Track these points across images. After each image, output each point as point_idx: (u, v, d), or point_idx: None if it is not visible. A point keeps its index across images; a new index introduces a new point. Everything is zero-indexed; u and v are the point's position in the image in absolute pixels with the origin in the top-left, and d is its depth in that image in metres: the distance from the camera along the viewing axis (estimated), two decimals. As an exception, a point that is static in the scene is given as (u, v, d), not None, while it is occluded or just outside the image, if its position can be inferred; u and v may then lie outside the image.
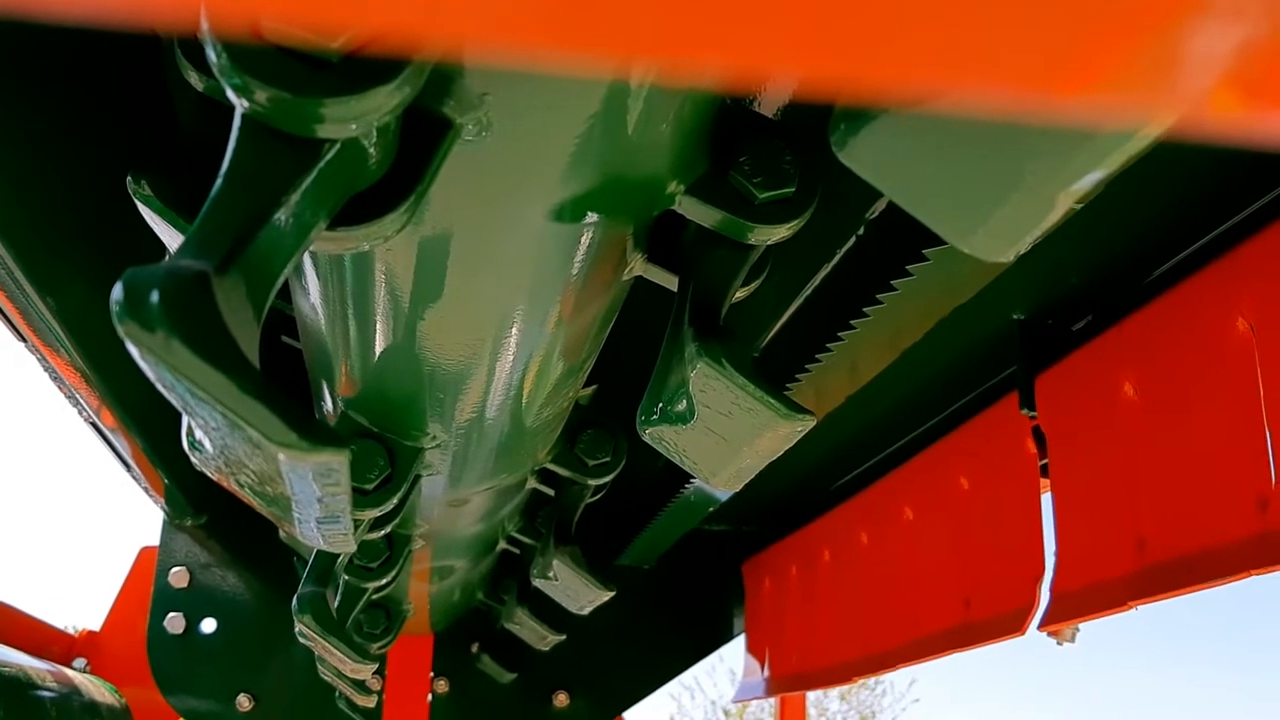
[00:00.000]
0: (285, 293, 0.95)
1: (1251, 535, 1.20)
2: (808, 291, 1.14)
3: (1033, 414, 1.60)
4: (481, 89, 0.56)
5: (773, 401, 0.70)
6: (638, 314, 0.99)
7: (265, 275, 0.50)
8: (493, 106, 0.57)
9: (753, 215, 0.71)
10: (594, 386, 1.29)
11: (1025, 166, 0.45)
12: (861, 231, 0.99)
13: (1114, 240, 1.39)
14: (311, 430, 0.46)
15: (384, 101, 0.48)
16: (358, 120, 0.49)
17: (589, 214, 0.69)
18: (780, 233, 0.72)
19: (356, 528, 1.00)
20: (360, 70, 0.48)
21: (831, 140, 0.54)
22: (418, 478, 1.04)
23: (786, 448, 0.75)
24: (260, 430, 0.45)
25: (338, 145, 0.51)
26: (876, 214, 0.96)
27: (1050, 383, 1.58)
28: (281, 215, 0.50)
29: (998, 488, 1.74)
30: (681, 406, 0.74)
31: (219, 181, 0.49)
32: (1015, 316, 1.59)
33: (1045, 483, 1.63)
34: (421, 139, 0.57)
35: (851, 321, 1.18)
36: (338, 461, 0.49)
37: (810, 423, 0.71)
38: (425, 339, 0.82)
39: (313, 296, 0.85)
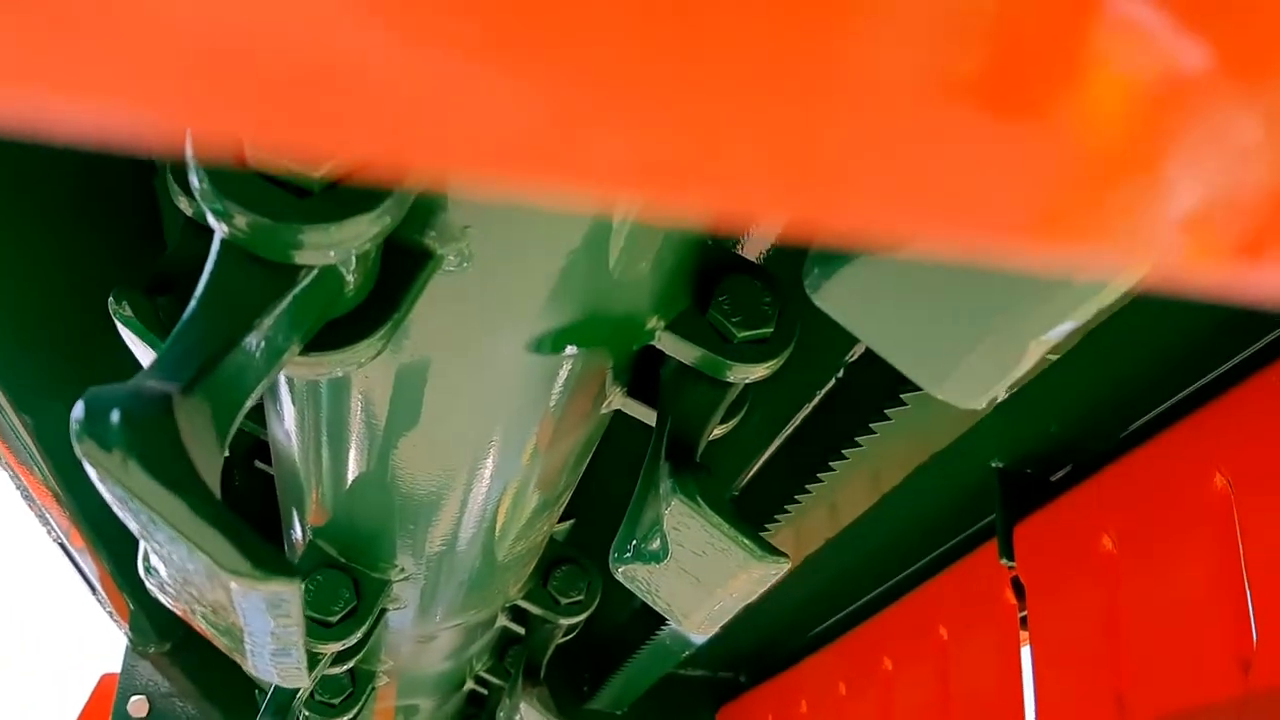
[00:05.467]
0: (260, 417, 0.94)
1: (1234, 697, 1.18)
2: (787, 431, 1.14)
3: (1011, 564, 1.59)
4: (464, 221, 0.56)
5: (746, 542, 0.69)
6: (619, 448, 0.99)
7: (232, 398, 0.49)
8: (475, 238, 0.57)
9: (731, 354, 0.71)
10: (570, 521, 1.27)
11: (995, 314, 0.46)
12: (840, 373, 1.00)
13: (1093, 390, 1.39)
14: (264, 558, 0.45)
15: (364, 230, 0.49)
16: (336, 248, 0.49)
17: (569, 346, 0.69)
18: (758, 371, 0.72)
19: (317, 662, 0.96)
20: (342, 198, 0.48)
21: (805, 283, 0.54)
22: (384, 611, 1.01)
23: (761, 591, 0.73)
24: (212, 556, 0.44)
25: (315, 271, 0.51)
26: (855, 357, 0.97)
27: (1029, 532, 1.56)
28: (253, 339, 0.50)
29: (977, 638, 1.71)
30: (655, 544, 0.73)
31: (193, 303, 0.49)
32: (994, 464, 1.58)
33: (1025, 635, 1.60)
34: (402, 267, 0.57)
35: (830, 463, 1.18)
36: (289, 592, 0.48)
37: (784, 565, 0.70)
38: (398, 467, 0.81)
39: (286, 422, 0.84)
